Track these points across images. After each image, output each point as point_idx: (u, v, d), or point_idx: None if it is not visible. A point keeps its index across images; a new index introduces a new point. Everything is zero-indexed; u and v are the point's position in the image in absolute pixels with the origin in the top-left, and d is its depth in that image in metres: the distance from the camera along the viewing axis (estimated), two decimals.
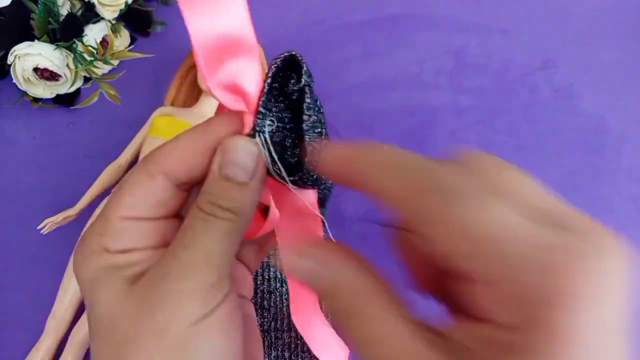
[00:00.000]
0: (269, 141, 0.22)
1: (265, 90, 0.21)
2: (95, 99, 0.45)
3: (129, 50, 0.47)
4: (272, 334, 0.38)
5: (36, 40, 0.42)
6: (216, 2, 0.20)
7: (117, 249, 0.21)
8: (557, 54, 0.48)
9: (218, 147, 0.22)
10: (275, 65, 0.22)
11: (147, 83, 0.46)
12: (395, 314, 0.18)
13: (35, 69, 0.42)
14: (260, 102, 0.21)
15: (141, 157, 0.41)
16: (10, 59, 0.42)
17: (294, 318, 0.28)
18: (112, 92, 0.45)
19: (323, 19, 0.49)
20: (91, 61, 0.43)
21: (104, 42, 0.45)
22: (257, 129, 0.21)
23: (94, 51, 0.43)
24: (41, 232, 0.41)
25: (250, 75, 0.21)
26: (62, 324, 0.38)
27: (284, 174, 0.22)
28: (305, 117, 0.22)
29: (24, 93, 0.44)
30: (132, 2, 0.46)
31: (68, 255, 0.39)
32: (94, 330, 0.20)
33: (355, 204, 0.43)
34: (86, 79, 0.46)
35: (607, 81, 0.47)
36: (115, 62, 0.47)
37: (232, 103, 0.22)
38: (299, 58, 0.22)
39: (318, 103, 0.23)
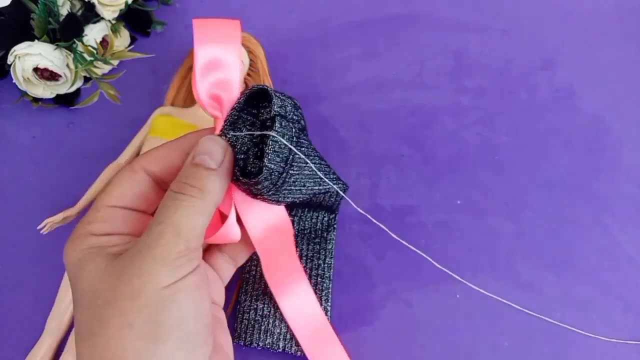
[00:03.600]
0: (232, 141, 0.26)
1: (236, 105, 0.27)
2: (95, 99, 0.45)
3: (129, 50, 0.47)
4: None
5: (36, 40, 0.42)
6: (221, 34, 0.27)
7: (101, 232, 0.24)
8: (557, 54, 0.48)
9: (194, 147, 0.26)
10: (249, 91, 0.27)
11: (147, 83, 0.46)
12: None
13: (35, 69, 0.42)
14: (231, 112, 0.27)
15: None
16: (10, 59, 0.42)
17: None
18: (112, 92, 0.45)
19: (323, 19, 0.49)
20: (91, 61, 0.43)
21: (104, 42, 0.45)
22: (224, 131, 0.26)
23: (94, 51, 0.43)
24: (41, 232, 0.41)
25: (229, 92, 0.27)
26: (62, 324, 0.38)
27: (237, 173, 0.26)
28: (269, 143, 0.26)
29: (24, 93, 0.44)
30: (132, 2, 0.46)
31: None
32: (78, 303, 0.23)
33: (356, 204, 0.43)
34: (86, 79, 0.46)
35: (607, 81, 0.47)
36: (115, 62, 0.47)
37: (211, 109, 0.27)
38: (270, 91, 0.27)
39: (293, 132, 0.27)
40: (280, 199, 0.28)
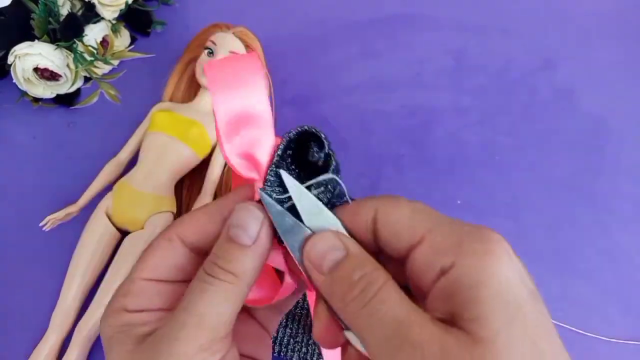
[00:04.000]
0: (275, 207, 0.22)
1: (275, 159, 0.23)
2: (95, 99, 0.45)
3: (129, 50, 0.47)
4: None
5: (36, 40, 0.42)
6: (241, 84, 0.23)
7: (134, 308, 0.22)
8: (557, 54, 0.48)
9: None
10: (287, 137, 0.23)
11: (147, 83, 0.46)
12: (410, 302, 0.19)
13: (36, 69, 0.42)
14: (269, 171, 0.23)
15: (141, 152, 0.41)
16: (10, 59, 0.42)
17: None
18: (112, 92, 0.45)
19: (323, 19, 0.49)
20: (91, 61, 0.43)
21: (104, 42, 0.45)
22: (263, 198, 0.22)
23: (94, 51, 0.43)
24: (43, 228, 0.41)
25: (264, 146, 0.23)
26: (67, 320, 0.38)
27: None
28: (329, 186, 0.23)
29: (24, 93, 0.44)
30: (132, 2, 0.46)
31: (70, 253, 0.39)
32: None
33: None
34: (86, 79, 0.46)
35: (607, 81, 0.47)
36: (115, 62, 0.47)
37: (246, 171, 0.23)
38: (314, 131, 0.23)
39: (338, 175, 0.24)
40: None
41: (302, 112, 0.46)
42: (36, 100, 0.45)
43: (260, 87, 0.23)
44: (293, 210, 0.22)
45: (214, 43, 0.43)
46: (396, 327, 0.19)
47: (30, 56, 0.42)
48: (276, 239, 0.23)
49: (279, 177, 0.23)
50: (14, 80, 0.43)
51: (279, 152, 0.23)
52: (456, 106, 0.46)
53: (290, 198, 0.22)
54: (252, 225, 0.22)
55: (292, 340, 0.39)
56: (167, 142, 0.40)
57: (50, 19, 0.42)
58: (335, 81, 0.47)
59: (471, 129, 0.45)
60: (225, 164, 0.42)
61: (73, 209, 0.41)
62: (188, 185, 0.43)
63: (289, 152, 0.23)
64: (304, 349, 0.39)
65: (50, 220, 0.41)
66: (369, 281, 0.20)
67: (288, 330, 0.39)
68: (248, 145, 0.23)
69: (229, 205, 0.23)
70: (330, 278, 0.21)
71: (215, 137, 0.42)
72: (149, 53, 0.47)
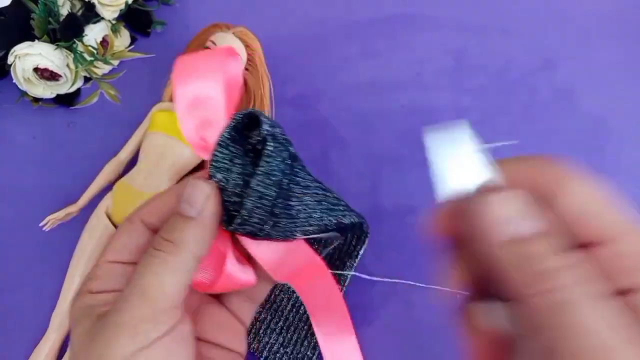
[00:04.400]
0: (222, 184, 0.23)
1: (220, 141, 0.24)
2: (95, 99, 0.45)
3: (129, 50, 0.47)
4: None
5: (36, 40, 0.42)
6: (201, 70, 0.26)
7: (97, 290, 0.23)
8: (557, 54, 0.48)
9: None
10: (233, 120, 0.24)
11: (147, 83, 0.46)
12: (601, 299, 0.16)
13: (36, 69, 0.42)
14: (215, 151, 0.24)
15: (141, 152, 0.41)
16: (10, 59, 0.42)
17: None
18: (112, 92, 0.45)
19: (323, 19, 0.49)
20: (91, 61, 0.43)
21: (104, 42, 0.45)
22: (211, 173, 0.24)
23: (94, 51, 0.43)
24: (43, 228, 0.41)
25: (215, 128, 0.25)
26: (67, 320, 0.38)
27: (225, 221, 0.23)
28: (261, 164, 0.23)
29: (24, 93, 0.44)
30: (132, 2, 0.46)
31: (70, 253, 0.39)
32: None
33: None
34: (86, 79, 0.46)
35: (607, 81, 0.47)
36: (115, 62, 0.47)
37: (200, 151, 0.25)
38: (256, 114, 0.24)
39: (286, 155, 0.24)
40: (287, 234, 0.25)
41: (302, 112, 0.46)
42: (36, 100, 0.45)
43: (213, 77, 0.26)
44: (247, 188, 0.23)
45: (214, 43, 0.43)
46: (594, 347, 0.15)
47: (30, 56, 0.42)
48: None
49: (229, 161, 0.24)
50: (14, 80, 0.43)
51: (225, 133, 0.24)
52: (456, 106, 0.46)
53: (238, 179, 0.23)
54: (197, 198, 0.22)
55: (281, 349, 0.39)
56: (167, 142, 0.40)
57: (50, 19, 0.42)
58: (335, 81, 0.47)
59: (471, 128, 0.45)
60: None
61: (73, 209, 0.41)
62: None
63: (234, 134, 0.24)
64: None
65: (50, 220, 0.41)
66: (563, 282, 0.17)
67: (280, 338, 0.38)
68: (203, 128, 0.25)
69: (184, 185, 0.24)
70: (509, 253, 0.18)
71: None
72: (149, 53, 0.47)
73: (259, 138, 0.25)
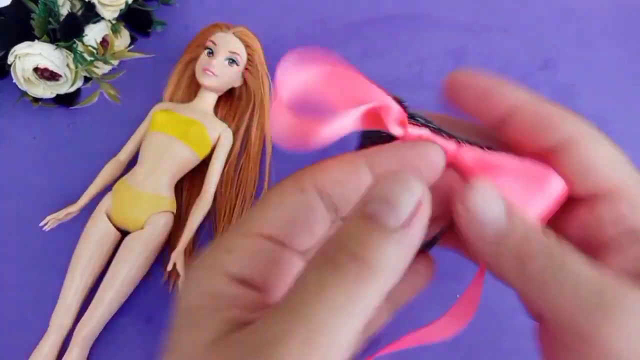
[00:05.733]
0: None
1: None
2: (95, 99, 0.45)
3: (129, 50, 0.47)
4: None
5: (36, 40, 0.42)
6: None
7: (239, 276, 0.16)
8: (557, 54, 0.48)
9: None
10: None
11: (147, 83, 0.46)
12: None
13: (36, 69, 0.42)
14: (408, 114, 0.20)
15: (141, 152, 0.41)
16: (10, 59, 0.42)
17: None
18: (112, 92, 0.45)
19: (323, 19, 0.49)
20: (91, 61, 0.43)
21: (104, 42, 0.45)
22: (409, 114, 0.18)
23: (94, 51, 0.43)
24: (43, 228, 0.41)
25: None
26: (67, 321, 0.38)
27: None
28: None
29: (24, 93, 0.44)
30: (132, 2, 0.46)
31: (70, 253, 0.39)
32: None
33: None
34: (86, 79, 0.46)
35: (607, 81, 0.47)
36: (115, 62, 0.47)
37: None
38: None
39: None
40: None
41: (302, 112, 0.46)
42: (36, 100, 0.45)
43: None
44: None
45: (214, 43, 0.43)
46: (598, 293, 0.15)
47: (30, 56, 0.42)
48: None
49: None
50: (14, 80, 0.43)
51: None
52: None
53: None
54: (404, 201, 0.15)
55: None
56: (167, 142, 0.40)
57: (50, 19, 0.42)
58: None
59: None
60: (226, 164, 0.42)
61: (73, 209, 0.41)
62: (188, 186, 0.43)
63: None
64: None
65: (50, 220, 0.41)
66: (549, 250, 0.16)
67: None
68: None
69: (389, 159, 0.18)
70: (498, 248, 0.17)
71: (215, 137, 0.42)
72: (149, 53, 0.47)
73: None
